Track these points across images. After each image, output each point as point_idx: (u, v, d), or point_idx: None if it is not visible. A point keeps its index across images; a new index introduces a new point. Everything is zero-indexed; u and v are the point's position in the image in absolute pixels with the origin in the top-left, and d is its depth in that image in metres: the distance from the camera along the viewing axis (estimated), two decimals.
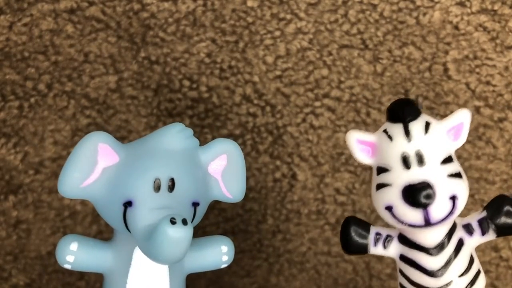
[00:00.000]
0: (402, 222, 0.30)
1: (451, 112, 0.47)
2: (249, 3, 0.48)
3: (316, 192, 0.47)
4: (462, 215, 0.31)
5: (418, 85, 0.47)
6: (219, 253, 0.35)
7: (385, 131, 0.30)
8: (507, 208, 0.30)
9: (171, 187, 0.32)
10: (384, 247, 0.32)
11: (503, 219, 0.30)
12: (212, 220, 0.47)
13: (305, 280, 0.48)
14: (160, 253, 0.30)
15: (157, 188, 0.31)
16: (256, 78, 0.47)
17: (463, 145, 0.47)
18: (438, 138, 0.30)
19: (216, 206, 0.47)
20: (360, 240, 0.32)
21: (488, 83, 0.47)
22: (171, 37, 0.47)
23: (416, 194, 0.29)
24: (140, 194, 0.31)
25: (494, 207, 0.31)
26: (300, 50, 0.47)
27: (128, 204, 0.31)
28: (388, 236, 0.32)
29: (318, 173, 0.47)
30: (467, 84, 0.47)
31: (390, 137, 0.30)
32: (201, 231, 0.46)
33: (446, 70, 0.47)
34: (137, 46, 0.47)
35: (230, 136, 0.47)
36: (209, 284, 0.47)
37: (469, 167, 0.47)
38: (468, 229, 0.31)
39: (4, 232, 0.46)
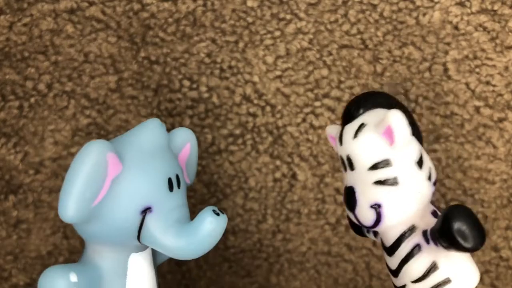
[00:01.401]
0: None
1: (451, 112, 0.47)
2: (249, 3, 0.48)
3: (316, 192, 0.47)
4: None
5: (418, 85, 0.47)
6: None
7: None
8: (451, 227, 0.27)
9: (178, 183, 0.32)
10: (375, 236, 0.33)
11: (447, 239, 0.27)
12: None
13: (305, 280, 0.48)
14: (204, 245, 0.30)
15: (171, 188, 0.31)
16: (256, 78, 0.47)
17: (463, 145, 0.47)
18: (368, 143, 0.29)
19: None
20: (359, 228, 0.33)
21: (488, 83, 0.47)
22: (171, 37, 0.47)
23: (344, 198, 0.29)
24: (159, 197, 0.30)
25: (439, 221, 0.28)
26: (300, 50, 0.48)
27: (147, 210, 0.30)
28: None
29: (318, 173, 0.47)
30: (467, 84, 0.47)
31: (336, 138, 0.30)
32: None
33: (446, 70, 0.47)
34: (137, 46, 0.47)
35: (230, 136, 0.47)
36: (209, 284, 0.47)
37: (469, 167, 0.47)
38: (426, 236, 0.29)
39: (4, 232, 0.46)
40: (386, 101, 0.30)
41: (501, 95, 0.47)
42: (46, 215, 0.46)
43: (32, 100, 0.47)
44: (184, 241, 0.30)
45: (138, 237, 0.31)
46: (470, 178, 0.47)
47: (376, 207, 0.28)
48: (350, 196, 0.29)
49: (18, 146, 0.47)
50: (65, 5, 0.47)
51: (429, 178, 0.30)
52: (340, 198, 0.47)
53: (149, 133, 0.32)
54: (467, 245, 0.27)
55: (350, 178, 0.29)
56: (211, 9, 0.48)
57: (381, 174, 0.28)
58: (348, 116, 0.30)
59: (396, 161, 0.29)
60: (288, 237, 0.47)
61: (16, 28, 0.47)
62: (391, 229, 0.29)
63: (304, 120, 0.47)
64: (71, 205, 0.28)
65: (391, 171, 0.28)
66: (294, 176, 0.47)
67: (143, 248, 0.33)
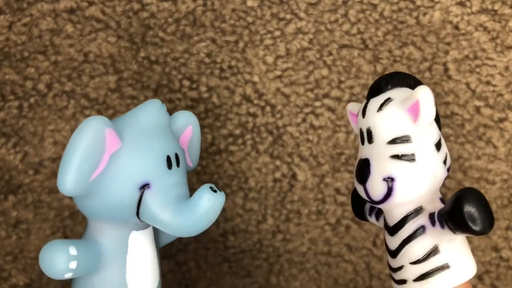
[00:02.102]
0: (360, 196, 0.30)
1: (452, 112, 0.47)
2: (249, 3, 0.48)
3: (316, 192, 0.47)
4: None
5: None
6: None
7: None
8: (460, 209, 0.27)
9: (177, 161, 0.32)
10: (377, 218, 0.33)
11: (456, 221, 0.27)
12: None
13: (305, 280, 0.48)
14: (202, 222, 0.30)
15: (169, 165, 0.31)
16: (256, 78, 0.47)
17: (463, 145, 0.47)
18: (391, 117, 0.29)
19: None
20: (360, 211, 0.33)
21: (488, 83, 0.47)
22: (171, 37, 0.47)
23: (356, 170, 0.29)
24: (157, 174, 0.31)
25: (450, 204, 0.27)
26: (300, 50, 0.47)
27: (145, 186, 0.30)
28: (379, 209, 0.32)
29: (318, 173, 0.47)
30: (467, 84, 0.47)
31: (358, 112, 0.31)
32: None
33: (446, 70, 0.47)
34: (137, 46, 0.47)
35: (230, 136, 0.47)
36: (209, 284, 0.47)
37: (469, 167, 0.47)
38: (432, 219, 0.29)
39: (4, 232, 0.46)
40: (414, 83, 0.30)
41: (501, 95, 0.47)
42: (45, 215, 0.46)
43: (32, 100, 0.47)
44: (181, 218, 0.30)
45: (138, 214, 0.31)
46: (470, 178, 0.47)
47: (389, 180, 0.28)
48: (364, 168, 0.29)
49: (18, 146, 0.47)
50: (65, 5, 0.47)
51: (445, 162, 0.30)
52: (340, 198, 0.47)
53: (149, 112, 0.33)
54: (476, 228, 0.26)
55: (367, 151, 0.29)
56: (211, 9, 0.48)
57: (399, 149, 0.28)
58: (376, 90, 0.30)
59: (416, 139, 0.29)
60: (288, 237, 0.47)
61: (16, 28, 0.47)
62: (397, 207, 0.29)
63: (304, 120, 0.47)
64: (69, 178, 0.28)
65: (410, 148, 0.28)
66: (294, 176, 0.47)
67: (144, 226, 0.33)
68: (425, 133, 0.29)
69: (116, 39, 0.47)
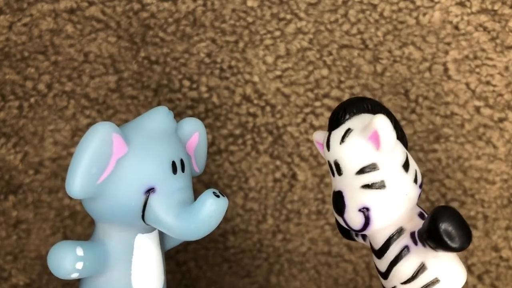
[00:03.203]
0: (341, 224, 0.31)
1: (451, 112, 0.47)
2: (249, 3, 0.48)
3: (316, 192, 0.47)
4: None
5: (418, 85, 0.47)
6: None
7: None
8: (437, 223, 0.27)
9: (182, 167, 0.33)
10: (364, 240, 0.33)
11: (434, 240, 0.28)
12: None
13: (305, 280, 0.48)
14: (205, 227, 0.31)
15: (174, 170, 0.32)
16: (256, 78, 0.47)
17: (463, 145, 0.47)
18: (355, 147, 0.29)
19: None
20: (347, 233, 0.34)
21: (488, 83, 0.47)
22: (171, 37, 0.47)
23: (333, 202, 0.30)
24: (162, 179, 0.31)
25: (426, 223, 0.28)
26: (300, 50, 0.47)
27: (150, 191, 0.31)
28: None
29: (318, 173, 0.47)
30: (467, 84, 0.47)
31: (323, 144, 0.31)
32: None
33: (446, 70, 0.47)
34: (137, 46, 0.47)
35: (230, 136, 0.47)
36: (209, 284, 0.47)
37: (469, 167, 0.47)
38: (414, 238, 0.29)
39: (4, 232, 0.46)
40: (372, 106, 0.31)
41: (501, 95, 0.47)
42: (46, 215, 0.46)
43: (32, 100, 0.47)
44: (184, 222, 0.31)
45: (143, 217, 0.32)
46: (470, 178, 0.47)
47: (365, 210, 0.29)
48: (338, 201, 0.29)
49: (18, 146, 0.47)
50: (65, 5, 0.47)
51: (415, 180, 0.30)
52: None
53: (155, 118, 0.33)
54: (454, 245, 0.27)
55: (338, 183, 0.30)
56: (211, 9, 0.48)
57: (368, 178, 0.29)
58: (334, 122, 0.30)
59: (383, 165, 0.29)
60: (288, 237, 0.47)
61: (16, 28, 0.47)
62: (379, 232, 0.30)
63: (304, 120, 0.47)
64: (77, 181, 0.29)
65: (378, 175, 0.29)
66: (294, 176, 0.47)
67: (150, 229, 0.34)
68: (390, 157, 0.29)
69: (116, 39, 0.47)
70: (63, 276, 0.30)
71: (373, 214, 0.29)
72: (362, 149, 0.29)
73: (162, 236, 0.36)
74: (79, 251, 0.31)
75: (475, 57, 0.47)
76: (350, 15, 0.48)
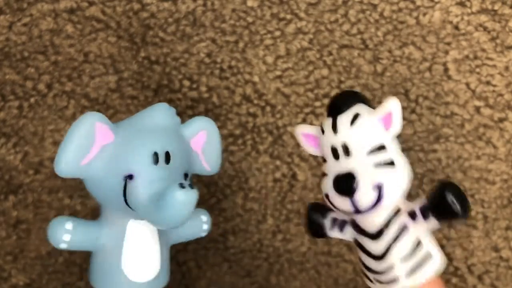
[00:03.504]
0: (337, 209, 0.32)
1: (451, 112, 0.47)
2: (249, 3, 0.48)
3: (316, 192, 0.47)
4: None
5: (418, 85, 0.47)
6: (200, 223, 0.38)
7: (321, 124, 0.33)
8: (445, 197, 0.30)
9: (167, 159, 0.34)
10: (340, 230, 0.34)
11: (441, 207, 0.30)
12: (212, 220, 0.47)
13: (305, 280, 0.48)
14: (170, 216, 0.32)
15: (155, 161, 0.34)
16: (256, 78, 0.47)
17: (463, 145, 0.47)
18: (366, 129, 0.31)
19: (216, 206, 0.47)
20: (317, 224, 0.34)
21: (488, 83, 0.47)
22: (171, 37, 0.47)
23: (341, 184, 0.31)
24: (141, 167, 0.33)
25: (433, 194, 0.31)
26: (300, 50, 0.47)
27: (129, 177, 0.33)
28: (343, 221, 0.34)
29: (318, 173, 0.47)
30: (467, 84, 0.47)
31: (322, 131, 0.32)
32: None
33: (446, 70, 0.47)
34: (137, 46, 0.47)
35: (230, 136, 0.47)
36: (209, 284, 0.47)
37: (469, 167, 0.47)
38: (412, 215, 0.31)
39: (4, 232, 0.46)
40: (362, 97, 0.33)
41: (501, 95, 0.47)
42: (46, 215, 0.46)
43: (32, 100, 0.47)
44: (154, 211, 0.32)
45: (127, 202, 0.34)
46: (470, 178, 0.47)
47: (378, 187, 0.30)
48: (350, 181, 0.30)
49: (18, 146, 0.47)
50: (65, 5, 0.47)
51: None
52: None
53: (152, 113, 0.35)
54: (460, 211, 0.30)
55: (346, 164, 0.31)
56: (211, 9, 0.48)
57: (379, 157, 0.31)
58: (339, 108, 0.32)
59: (390, 146, 0.31)
60: (288, 237, 0.47)
61: (16, 28, 0.47)
62: (379, 213, 0.31)
63: (304, 120, 0.47)
64: (61, 160, 0.33)
65: (387, 155, 0.31)
66: (294, 176, 0.47)
67: None
68: (394, 139, 0.32)
69: (116, 39, 0.47)
70: (55, 244, 0.34)
71: (385, 191, 0.30)
72: (373, 131, 0.31)
73: (166, 230, 0.37)
74: (68, 226, 0.34)
75: (475, 57, 0.47)
76: (350, 15, 0.48)
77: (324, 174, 0.32)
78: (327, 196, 0.32)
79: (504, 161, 0.47)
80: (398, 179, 0.31)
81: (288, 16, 0.48)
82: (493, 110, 0.47)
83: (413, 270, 0.31)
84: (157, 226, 0.34)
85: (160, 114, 0.35)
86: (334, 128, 0.32)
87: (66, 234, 0.34)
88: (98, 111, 0.47)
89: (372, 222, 0.32)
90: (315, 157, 0.47)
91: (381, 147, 0.31)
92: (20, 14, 0.47)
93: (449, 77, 0.47)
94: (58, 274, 0.47)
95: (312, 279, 0.48)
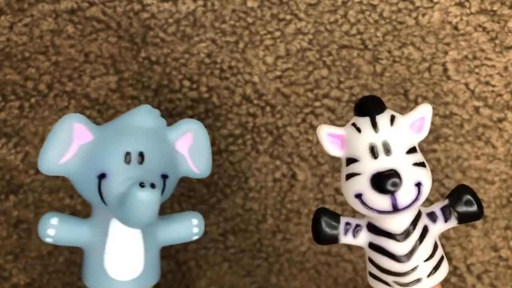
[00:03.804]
0: (371, 209, 0.31)
1: (451, 112, 0.47)
2: (249, 4, 0.48)
3: (316, 192, 0.47)
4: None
5: (418, 85, 0.47)
6: (189, 226, 0.38)
7: (353, 124, 0.32)
8: (467, 197, 0.32)
9: (141, 160, 0.35)
10: (354, 236, 0.34)
11: (464, 207, 0.32)
12: (212, 220, 0.47)
13: (305, 279, 0.48)
14: (131, 215, 0.32)
15: (128, 161, 0.34)
16: (256, 78, 0.48)
17: (462, 145, 0.47)
18: (403, 130, 0.32)
19: (216, 206, 0.47)
20: (331, 230, 0.34)
21: (487, 83, 0.47)
22: (171, 37, 0.48)
23: (384, 181, 0.31)
24: (113, 166, 0.34)
25: (455, 195, 0.33)
26: (300, 50, 0.48)
27: (102, 176, 0.34)
28: (357, 225, 0.34)
29: (318, 173, 0.47)
30: (466, 84, 0.47)
31: (358, 129, 0.32)
32: None
33: (445, 70, 0.47)
34: (138, 46, 0.47)
35: (230, 136, 0.47)
36: (209, 284, 0.48)
37: (468, 167, 0.47)
38: (432, 216, 0.33)
39: (5, 231, 0.47)
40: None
41: (500, 95, 0.47)
42: None
43: (33, 100, 0.47)
44: (119, 210, 0.33)
45: (103, 201, 0.34)
46: (469, 178, 0.47)
47: (418, 185, 0.31)
48: (395, 177, 0.31)
49: (19, 146, 0.47)
50: (66, 5, 0.47)
51: None
52: (340, 198, 0.47)
53: (133, 114, 0.36)
54: (479, 211, 0.32)
55: (387, 163, 0.31)
56: (211, 9, 0.48)
57: (415, 157, 0.32)
58: (377, 108, 0.32)
59: (418, 148, 0.32)
60: (288, 237, 0.48)
61: (17, 29, 0.47)
62: (407, 213, 0.32)
63: (304, 120, 0.47)
64: (41, 158, 0.35)
65: (420, 156, 0.32)
66: (294, 176, 0.47)
67: None
68: (419, 142, 0.33)
69: (116, 39, 0.47)
70: (41, 237, 0.36)
71: (424, 189, 0.31)
72: (408, 132, 0.32)
73: (153, 229, 0.37)
74: (54, 221, 0.36)
75: (474, 58, 0.47)
76: (350, 15, 0.48)
77: (351, 175, 0.32)
78: (359, 195, 0.31)
79: (503, 161, 0.47)
80: (430, 179, 0.32)
81: (288, 17, 0.48)
82: (492, 110, 0.47)
83: (433, 271, 0.32)
84: (125, 225, 0.34)
85: (141, 116, 0.36)
86: (375, 126, 0.32)
87: (50, 228, 0.36)
88: (99, 111, 0.47)
89: (399, 222, 0.32)
90: (315, 157, 0.47)
91: (414, 149, 0.32)
92: (21, 14, 0.47)
93: (448, 77, 0.47)
94: (58, 273, 0.47)
95: (312, 278, 0.48)
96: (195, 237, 0.38)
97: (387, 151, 0.31)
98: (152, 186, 0.32)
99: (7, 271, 0.47)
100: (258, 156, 0.47)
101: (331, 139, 0.33)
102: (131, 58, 0.47)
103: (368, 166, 0.31)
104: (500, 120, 0.47)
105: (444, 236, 0.47)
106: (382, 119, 0.32)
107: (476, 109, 0.47)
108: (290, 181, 0.47)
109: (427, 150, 0.47)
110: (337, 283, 0.48)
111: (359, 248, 0.48)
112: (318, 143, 0.47)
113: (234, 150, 0.47)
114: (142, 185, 0.32)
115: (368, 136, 0.32)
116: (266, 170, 0.47)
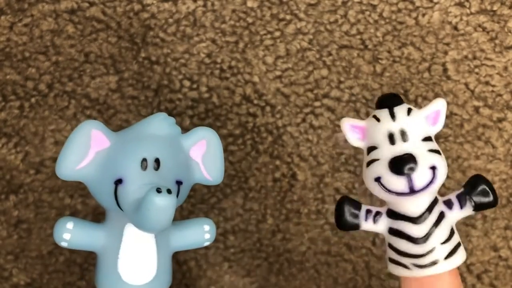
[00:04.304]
0: (389, 191, 0.34)
1: (451, 112, 0.47)
2: (249, 4, 0.48)
3: (316, 192, 0.47)
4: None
5: (418, 85, 0.47)
6: (201, 232, 0.39)
7: (374, 116, 0.35)
8: (482, 186, 0.34)
9: (157, 166, 0.35)
10: (374, 222, 0.36)
11: (479, 197, 0.34)
12: (212, 220, 0.47)
13: (305, 279, 0.48)
14: (148, 220, 0.33)
15: (144, 167, 0.35)
16: (256, 78, 0.48)
17: (462, 145, 0.47)
18: (419, 120, 0.34)
19: (216, 206, 0.47)
20: (353, 218, 0.36)
21: (487, 83, 0.47)
22: (171, 37, 0.48)
23: (401, 164, 0.33)
24: (129, 172, 0.35)
25: (471, 185, 0.35)
26: (300, 50, 0.48)
27: (118, 182, 0.35)
28: (377, 212, 0.36)
29: (318, 173, 0.47)
30: (466, 84, 0.47)
31: (378, 119, 0.35)
32: None
33: (445, 70, 0.47)
34: (138, 46, 0.48)
35: (230, 136, 0.47)
36: (209, 284, 0.48)
37: (468, 167, 0.47)
38: (448, 204, 0.35)
39: (5, 231, 0.47)
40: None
41: (500, 95, 0.47)
42: (46, 215, 0.47)
43: (33, 100, 0.47)
44: (135, 215, 0.34)
45: (119, 206, 0.35)
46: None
47: (433, 169, 0.33)
48: (411, 160, 0.33)
49: (19, 146, 0.47)
50: (66, 5, 0.47)
51: None
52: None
53: (149, 121, 0.37)
54: (494, 199, 0.35)
55: (404, 148, 0.34)
56: (211, 9, 0.48)
57: (431, 145, 0.34)
58: (395, 100, 0.35)
59: (433, 138, 0.35)
60: (288, 237, 0.48)
61: (17, 29, 0.47)
62: (424, 197, 0.34)
63: (304, 120, 0.47)
64: (60, 164, 0.35)
65: (436, 145, 0.34)
66: (294, 176, 0.47)
67: None
68: (434, 134, 0.35)
69: (116, 39, 0.47)
70: (57, 241, 0.36)
71: (438, 173, 0.33)
72: (424, 123, 0.35)
73: (166, 235, 0.38)
74: (69, 225, 0.36)
75: (474, 57, 0.47)
76: (350, 15, 0.48)
77: (371, 162, 0.34)
78: (378, 179, 0.34)
79: (503, 161, 0.47)
80: (445, 165, 0.34)
81: (288, 17, 0.48)
82: (492, 110, 0.47)
83: (450, 254, 0.34)
84: (140, 230, 0.35)
85: (157, 123, 0.37)
86: (393, 116, 0.34)
87: (66, 233, 0.36)
88: (99, 111, 0.47)
89: (416, 205, 0.34)
90: (314, 157, 0.48)
91: (429, 138, 0.34)
92: (21, 14, 0.47)
93: (448, 77, 0.47)
94: (59, 273, 0.47)
95: (311, 278, 0.48)
96: (207, 243, 0.39)
97: (404, 137, 0.34)
98: (169, 191, 0.33)
99: (8, 271, 0.47)
100: (258, 156, 0.47)
101: (353, 130, 0.36)
102: (131, 58, 0.47)
103: (386, 152, 0.34)
104: (500, 120, 0.47)
105: None
106: (400, 110, 0.35)
107: (476, 109, 0.47)
108: (290, 181, 0.47)
109: None
110: (337, 283, 0.48)
111: (359, 248, 0.48)
112: (318, 143, 0.47)
113: (234, 150, 0.47)
114: (158, 190, 0.32)
115: (386, 124, 0.34)
116: (266, 170, 0.47)
